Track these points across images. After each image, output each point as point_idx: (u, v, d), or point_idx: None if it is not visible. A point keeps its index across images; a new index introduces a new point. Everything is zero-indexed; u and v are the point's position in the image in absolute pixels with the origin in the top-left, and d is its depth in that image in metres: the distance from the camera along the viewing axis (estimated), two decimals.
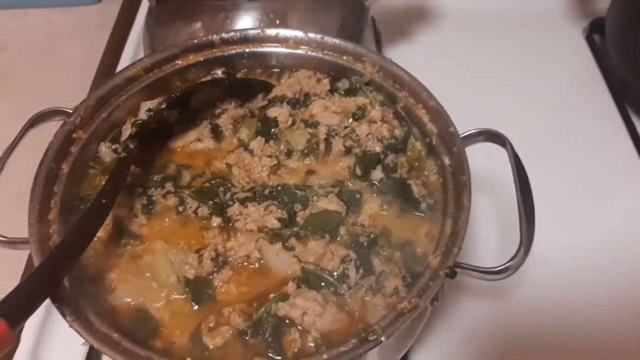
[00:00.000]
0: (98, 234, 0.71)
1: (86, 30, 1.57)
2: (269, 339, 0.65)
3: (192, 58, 0.92)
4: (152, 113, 0.82)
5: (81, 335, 0.61)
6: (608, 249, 1.04)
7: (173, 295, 0.69)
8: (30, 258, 0.94)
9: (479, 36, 1.43)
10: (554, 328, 0.96)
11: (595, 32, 1.43)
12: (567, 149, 1.20)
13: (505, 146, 0.79)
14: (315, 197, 0.77)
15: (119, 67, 1.39)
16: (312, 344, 0.65)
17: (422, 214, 0.77)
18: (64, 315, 0.62)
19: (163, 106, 0.82)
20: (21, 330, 0.92)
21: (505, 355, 0.94)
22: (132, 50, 1.43)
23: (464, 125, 0.82)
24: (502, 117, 0.95)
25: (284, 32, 0.93)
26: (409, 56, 1.02)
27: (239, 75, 0.95)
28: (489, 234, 1.03)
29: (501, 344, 0.94)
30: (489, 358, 0.93)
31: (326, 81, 0.91)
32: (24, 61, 1.51)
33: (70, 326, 0.62)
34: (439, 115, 0.82)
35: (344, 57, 0.92)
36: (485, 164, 0.89)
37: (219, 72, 0.94)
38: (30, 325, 0.96)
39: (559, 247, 1.03)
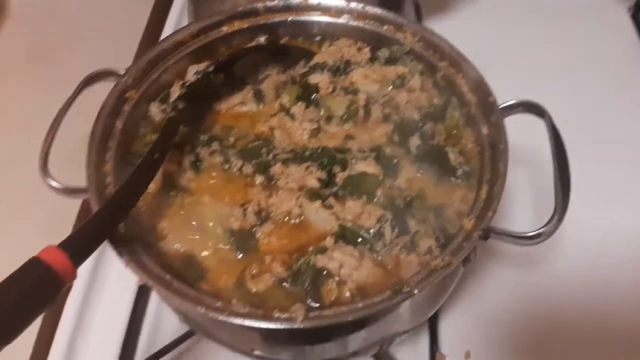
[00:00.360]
0: (150, 187, 0.75)
1: None
2: (308, 288, 0.69)
3: (236, 25, 0.95)
4: (199, 75, 0.86)
5: (136, 274, 0.66)
6: None
7: (219, 244, 0.74)
8: None
9: (521, 12, 1.42)
10: (582, 302, 0.97)
11: None
12: (608, 126, 1.19)
13: (544, 117, 0.80)
14: (353, 160, 0.80)
15: (164, 33, 1.44)
16: (348, 294, 0.69)
17: (458, 180, 0.80)
18: (120, 256, 0.67)
19: (210, 69, 0.86)
20: None
21: (531, 323, 0.95)
22: (176, 17, 1.47)
23: (503, 97, 0.83)
24: (543, 93, 0.95)
25: (325, 2, 0.95)
26: (448, 28, 1.02)
27: (281, 43, 0.98)
28: (523, 204, 1.05)
29: (528, 313, 0.96)
30: (516, 324, 0.95)
31: (367, 50, 0.93)
32: (74, 26, 1.56)
33: (127, 266, 0.67)
34: (479, 85, 0.83)
35: (385, 27, 0.94)
36: (523, 137, 0.89)
37: (262, 39, 0.97)
38: (84, 268, 1.02)
39: (593, 223, 1.03)
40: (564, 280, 0.99)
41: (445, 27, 1.35)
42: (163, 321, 0.99)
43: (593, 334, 0.94)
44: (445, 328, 0.95)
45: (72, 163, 0.84)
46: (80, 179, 0.78)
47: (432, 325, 0.94)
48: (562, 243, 1.01)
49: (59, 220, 1.12)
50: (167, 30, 1.46)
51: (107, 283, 1.03)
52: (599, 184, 1.09)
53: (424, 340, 0.93)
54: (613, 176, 1.12)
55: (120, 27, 1.53)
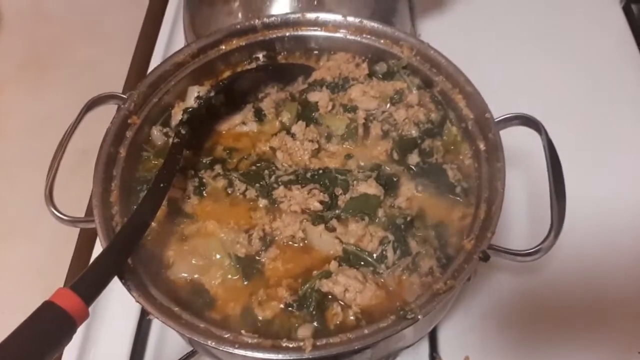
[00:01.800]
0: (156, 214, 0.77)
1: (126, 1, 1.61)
2: (313, 312, 0.71)
3: (235, 43, 0.96)
4: (201, 100, 0.87)
5: (146, 309, 0.68)
6: None
7: (225, 272, 0.76)
8: None
9: (513, 8, 1.42)
10: (581, 306, 0.99)
11: (633, 2, 1.40)
12: (601, 123, 1.20)
13: (540, 133, 0.82)
14: (355, 182, 0.82)
15: (159, 39, 1.43)
16: (352, 318, 0.71)
17: (457, 198, 0.81)
18: (130, 291, 0.69)
19: (212, 94, 0.87)
20: None
21: (528, 329, 0.98)
22: (170, 23, 1.47)
23: (497, 101, 0.84)
24: (536, 91, 0.95)
25: (323, 16, 0.96)
26: (442, 27, 1.01)
27: (279, 58, 0.98)
28: (520, 214, 1.06)
29: (526, 318, 0.99)
30: (514, 330, 0.98)
31: (364, 65, 0.94)
32: (73, 34, 1.56)
33: (137, 301, 0.69)
34: (476, 100, 0.84)
35: (382, 41, 0.94)
36: (519, 144, 0.91)
37: (260, 56, 0.98)
38: None
39: (590, 232, 1.05)
40: (561, 287, 1.01)
41: (438, 25, 1.37)
42: (167, 340, 1.01)
43: (590, 341, 0.96)
44: (445, 334, 0.97)
45: (76, 178, 0.84)
46: (82, 195, 0.78)
47: (432, 332, 0.96)
48: (560, 252, 1.03)
49: (63, 231, 1.13)
50: (163, 34, 1.45)
51: (111, 304, 1.04)
52: (593, 192, 1.10)
53: (424, 347, 0.96)
54: (612, 178, 1.13)
55: (114, 33, 1.53)
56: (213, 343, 0.65)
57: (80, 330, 0.99)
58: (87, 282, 0.63)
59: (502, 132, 0.81)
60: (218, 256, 0.76)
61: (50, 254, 1.15)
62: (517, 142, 0.90)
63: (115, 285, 1.04)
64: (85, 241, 1.12)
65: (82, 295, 0.61)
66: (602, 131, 1.20)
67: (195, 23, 1.25)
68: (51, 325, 0.59)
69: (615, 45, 1.36)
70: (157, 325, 1.03)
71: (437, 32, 0.89)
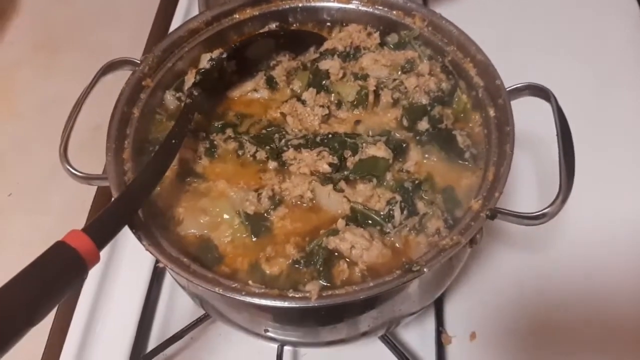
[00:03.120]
0: (166, 174, 0.78)
1: None
2: (320, 268, 0.72)
3: (248, 12, 0.97)
4: (213, 62, 0.88)
5: (156, 257, 0.69)
6: None
7: (234, 228, 0.77)
8: None
9: None
10: (586, 284, 0.99)
11: None
12: (612, 107, 1.20)
13: (550, 100, 0.82)
14: (364, 145, 0.82)
15: (173, 22, 1.46)
16: (358, 275, 0.72)
17: (466, 163, 0.81)
18: (140, 240, 0.70)
19: (224, 56, 0.88)
20: None
21: (535, 305, 0.98)
22: (185, 6, 1.49)
23: (509, 81, 0.84)
24: (549, 74, 0.95)
25: None
26: (455, 12, 1.02)
27: (292, 29, 0.99)
28: (529, 187, 1.06)
29: (532, 295, 0.99)
30: (520, 306, 0.98)
31: (376, 35, 0.95)
32: (89, 16, 1.58)
33: (147, 249, 0.70)
34: (486, 69, 0.84)
35: (394, 12, 0.95)
36: (530, 121, 0.91)
37: (273, 26, 0.99)
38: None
39: (597, 206, 1.05)
40: (568, 263, 1.01)
41: (452, 11, 1.37)
42: (176, 307, 1.03)
43: (596, 316, 0.96)
44: (451, 310, 0.98)
45: (86, 152, 0.86)
46: (92, 167, 0.80)
47: (438, 307, 0.97)
48: (567, 227, 1.03)
49: (75, 205, 1.16)
50: (177, 19, 1.48)
51: (121, 270, 1.07)
52: (604, 168, 1.10)
53: (430, 322, 0.96)
54: (618, 160, 1.13)
55: (129, 16, 1.56)
56: (220, 290, 0.65)
57: (89, 297, 1.03)
58: (98, 227, 0.65)
59: (514, 107, 0.81)
60: (227, 210, 0.77)
61: (62, 225, 1.17)
62: (529, 120, 0.90)
63: (126, 251, 1.08)
64: (97, 212, 1.14)
65: (93, 237, 0.62)
66: (613, 114, 1.19)
67: (209, 3, 1.27)
68: (62, 265, 0.60)
69: (628, 31, 1.35)
70: (166, 291, 1.04)
71: (448, 14, 0.90)
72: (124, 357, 0.96)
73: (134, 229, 0.70)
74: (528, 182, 1.08)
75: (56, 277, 0.60)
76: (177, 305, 1.03)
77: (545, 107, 0.83)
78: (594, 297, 0.98)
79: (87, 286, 1.05)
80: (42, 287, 0.58)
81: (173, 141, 0.77)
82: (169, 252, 0.70)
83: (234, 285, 0.67)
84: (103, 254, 1.05)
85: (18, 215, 1.19)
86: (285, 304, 0.65)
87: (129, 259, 1.08)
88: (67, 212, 1.18)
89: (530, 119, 0.89)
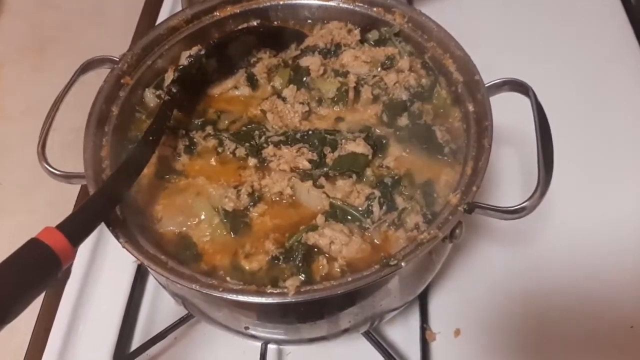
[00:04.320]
0: (145, 171, 0.77)
1: None
2: (300, 264, 0.71)
3: (229, 10, 0.97)
4: (192, 59, 0.88)
5: (133, 255, 0.68)
6: (628, 208, 1.06)
7: (213, 225, 0.76)
8: None
9: None
10: (569, 278, 0.99)
11: None
12: (594, 107, 1.21)
13: (528, 94, 0.82)
14: (343, 141, 0.82)
15: (158, 20, 1.46)
16: (338, 270, 0.72)
17: (445, 158, 0.81)
18: (117, 238, 0.70)
19: (202, 52, 0.88)
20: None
21: (518, 300, 0.98)
22: (169, 7, 1.49)
23: (490, 78, 0.84)
24: (530, 73, 0.95)
25: None
26: (438, 9, 1.02)
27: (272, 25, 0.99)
28: (510, 183, 1.07)
29: (516, 290, 0.99)
30: (504, 302, 0.98)
31: (357, 32, 0.95)
32: (76, 17, 1.58)
33: (123, 247, 0.69)
34: (465, 65, 0.85)
35: (375, 9, 0.95)
36: (513, 118, 0.91)
37: (254, 24, 0.98)
38: (82, 255, 1.06)
39: (578, 201, 1.06)
40: (550, 258, 1.01)
41: (434, 8, 1.38)
42: (160, 306, 1.02)
43: (581, 310, 0.96)
44: (436, 306, 0.98)
45: (69, 152, 0.86)
46: (75, 167, 0.80)
47: (423, 303, 0.97)
48: (550, 222, 1.04)
49: (57, 206, 1.15)
50: (162, 19, 1.47)
51: (104, 269, 1.06)
52: (586, 163, 1.11)
53: (415, 319, 0.96)
54: (601, 156, 1.13)
55: (115, 17, 1.55)
56: (198, 287, 0.65)
57: (72, 296, 1.03)
58: (73, 223, 0.64)
59: (493, 104, 0.81)
60: (206, 207, 0.77)
61: (46, 225, 1.16)
62: (508, 116, 0.90)
63: (109, 250, 1.07)
64: None
65: (68, 234, 0.61)
66: (595, 112, 1.20)
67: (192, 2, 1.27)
68: (35, 262, 0.59)
69: (611, 31, 1.35)
70: (150, 292, 1.03)
71: (431, 13, 0.90)
72: (107, 357, 0.96)
73: (111, 227, 0.70)
74: (511, 178, 1.08)
75: (29, 274, 0.59)
76: (161, 304, 1.02)
77: (528, 104, 0.83)
78: (578, 292, 0.98)
79: (70, 285, 1.05)
80: (15, 284, 0.58)
81: (151, 138, 0.77)
82: (146, 250, 0.70)
83: (211, 282, 0.67)
84: (85, 253, 1.08)
85: (2, 215, 1.18)
86: (263, 300, 0.65)
87: (112, 257, 1.07)
88: (51, 212, 1.17)
89: (513, 116, 0.90)
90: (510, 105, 0.84)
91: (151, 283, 1.04)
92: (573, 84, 1.25)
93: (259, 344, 0.91)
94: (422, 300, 0.97)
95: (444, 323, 0.96)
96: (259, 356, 0.90)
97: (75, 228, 0.64)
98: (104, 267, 1.07)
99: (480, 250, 1.03)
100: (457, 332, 0.95)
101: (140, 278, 1.03)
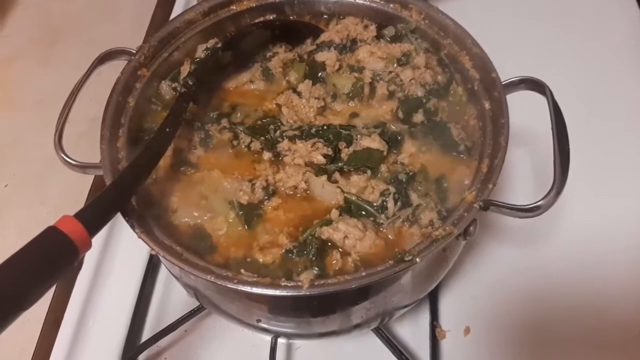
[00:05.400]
0: (160, 163, 0.78)
1: None
2: (313, 258, 0.71)
3: (245, 4, 0.97)
4: (208, 52, 0.88)
5: (148, 245, 0.69)
6: None
7: (228, 218, 0.77)
8: None
9: None
10: (581, 279, 0.99)
11: None
12: (609, 105, 1.20)
13: (545, 93, 0.81)
14: (358, 136, 0.82)
15: (173, 15, 1.46)
16: (351, 265, 0.71)
17: (461, 155, 0.81)
18: (133, 228, 0.70)
19: (219, 45, 0.88)
20: None
21: (529, 300, 0.98)
22: (184, 1, 1.49)
23: (506, 76, 0.84)
24: (548, 71, 0.95)
25: None
26: (453, 8, 1.02)
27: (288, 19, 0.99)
28: (524, 183, 1.07)
29: (526, 290, 0.99)
30: (514, 301, 0.98)
31: (373, 27, 0.95)
32: (88, 10, 1.58)
33: (139, 237, 0.70)
34: (482, 62, 0.84)
35: (391, 5, 0.95)
36: (529, 117, 0.91)
37: (270, 18, 0.98)
38: (94, 245, 1.06)
39: (592, 201, 1.05)
40: (561, 258, 1.01)
41: (451, 5, 1.37)
42: (171, 298, 1.03)
43: (591, 311, 0.96)
44: (446, 304, 0.98)
45: (83, 143, 0.86)
46: (90, 158, 0.80)
47: (433, 301, 0.97)
48: (563, 222, 1.03)
49: (69, 198, 1.16)
50: (177, 11, 1.48)
51: (116, 260, 1.07)
52: (601, 164, 1.10)
53: (425, 316, 0.96)
54: (616, 156, 1.13)
55: (128, 8, 1.56)
56: (212, 278, 0.65)
57: (83, 287, 1.03)
58: (90, 213, 0.64)
59: (509, 102, 0.80)
60: (221, 200, 0.77)
61: (58, 216, 1.17)
62: (525, 116, 0.89)
63: (121, 241, 1.08)
64: None
65: (85, 223, 0.62)
66: (610, 110, 1.19)
67: None
68: (53, 249, 0.60)
69: (626, 29, 1.35)
70: (161, 283, 1.04)
71: (447, 11, 0.90)
72: (118, 348, 0.96)
73: (127, 217, 0.70)
74: (525, 176, 1.08)
75: (47, 261, 0.59)
76: (172, 296, 1.03)
77: (544, 103, 0.83)
78: (589, 293, 0.98)
79: (82, 276, 1.05)
80: (33, 272, 0.58)
81: (167, 130, 0.77)
82: (161, 240, 0.70)
83: (226, 274, 0.67)
84: (98, 243, 1.08)
85: (14, 207, 1.19)
86: (277, 293, 0.65)
87: (124, 249, 1.08)
88: (63, 203, 1.18)
89: (529, 115, 0.89)
90: (524, 104, 0.84)
91: (162, 275, 1.05)
92: (587, 83, 1.24)
93: (269, 337, 0.92)
94: (433, 298, 0.97)
95: (454, 321, 0.96)
96: (268, 350, 0.91)
97: (93, 217, 0.64)
98: (116, 258, 1.07)
99: (490, 250, 1.03)
100: (467, 331, 0.95)
101: (151, 270, 1.04)
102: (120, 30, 1.49)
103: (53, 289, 1.03)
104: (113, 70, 0.89)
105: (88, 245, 0.63)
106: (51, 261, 0.60)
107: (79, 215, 0.63)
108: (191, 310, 0.96)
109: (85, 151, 0.82)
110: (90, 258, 1.07)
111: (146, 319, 1.01)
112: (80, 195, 1.15)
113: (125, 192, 0.70)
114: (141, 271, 1.03)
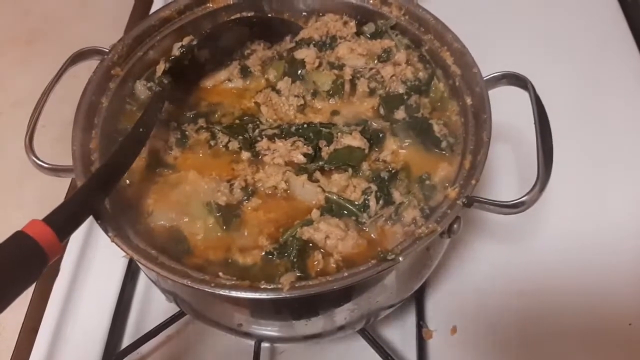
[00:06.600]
0: (135, 164, 0.75)
1: None
2: (294, 260, 0.70)
3: (222, 1, 0.95)
4: (183, 49, 0.86)
5: (122, 249, 0.66)
6: (625, 204, 1.05)
7: (206, 219, 0.74)
8: None
9: None
10: (566, 276, 0.98)
11: None
12: (590, 101, 1.20)
13: (527, 88, 0.80)
14: (339, 134, 0.81)
15: (151, 12, 1.43)
16: (333, 265, 0.70)
17: (443, 152, 0.80)
18: (106, 231, 0.68)
19: (194, 43, 0.86)
20: (66, 243, 1.00)
21: (515, 298, 0.97)
22: (162, 1, 1.47)
23: (488, 72, 0.83)
24: (528, 66, 0.95)
25: None
26: (435, 0, 1.02)
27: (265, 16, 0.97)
28: (508, 179, 1.06)
29: (512, 288, 0.98)
30: (500, 300, 0.97)
31: (352, 24, 0.93)
32: (67, 9, 1.55)
33: (112, 241, 0.67)
34: (463, 57, 0.83)
35: (371, 1, 0.93)
36: (512, 113, 0.89)
37: (248, 15, 0.96)
38: (72, 250, 1.04)
39: (576, 197, 1.05)
40: (547, 254, 1.00)
41: (429, 3, 1.36)
42: (152, 303, 1.00)
43: (579, 308, 0.95)
44: (432, 304, 0.97)
45: (60, 146, 0.84)
46: (66, 162, 0.77)
47: (419, 301, 0.95)
48: (548, 219, 1.02)
49: (46, 202, 1.12)
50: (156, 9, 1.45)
51: (95, 265, 1.04)
52: (586, 160, 1.10)
53: (411, 317, 0.95)
54: (601, 153, 1.12)
55: (107, 8, 1.53)
56: (189, 282, 0.63)
57: (61, 292, 1.00)
58: (60, 216, 0.62)
59: (492, 98, 0.79)
60: (198, 201, 0.75)
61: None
62: (507, 112, 0.88)
63: (99, 246, 1.05)
64: None
65: (54, 227, 0.59)
66: (591, 107, 1.19)
67: None
68: (21, 256, 0.57)
69: (607, 26, 1.35)
70: (141, 289, 1.01)
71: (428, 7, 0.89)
72: (98, 355, 0.94)
73: (100, 220, 0.68)
74: (509, 172, 1.07)
75: (14, 268, 0.57)
76: (153, 301, 1.00)
77: (523, 99, 0.82)
78: (575, 289, 0.97)
79: (59, 282, 1.02)
80: (0, 277, 0.56)
81: (141, 130, 0.75)
82: (136, 244, 0.68)
83: (203, 277, 0.65)
84: (76, 247, 1.05)
85: None
86: (257, 296, 0.63)
87: (102, 253, 1.05)
88: (39, 207, 1.13)
89: (512, 111, 0.87)
90: (508, 100, 0.83)
91: (142, 279, 1.02)
92: (570, 78, 1.23)
93: (252, 342, 0.90)
94: (418, 298, 0.96)
95: (441, 321, 0.95)
96: (252, 354, 0.88)
97: (63, 221, 0.62)
98: (94, 263, 1.04)
99: (475, 248, 1.02)
100: (454, 330, 0.94)
101: (131, 274, 1.01)
102: (100, 29, 1.45)
103: (29, 295, 1.01)
104: (89, 72, 0.87)
105: (58, 251, 0.61)
106: (19, 268, 0.57)
107: (48, 219, 0.60)
108: (173, 315, 0.93)
109: (62, 155, 0.79)
110: (67, 263, 1.04)
111: (126, 324, 0.98)
112: (57, 199, 1.11)
113: (97, 193, 0.68)
114: (121, 275, 1.01)
